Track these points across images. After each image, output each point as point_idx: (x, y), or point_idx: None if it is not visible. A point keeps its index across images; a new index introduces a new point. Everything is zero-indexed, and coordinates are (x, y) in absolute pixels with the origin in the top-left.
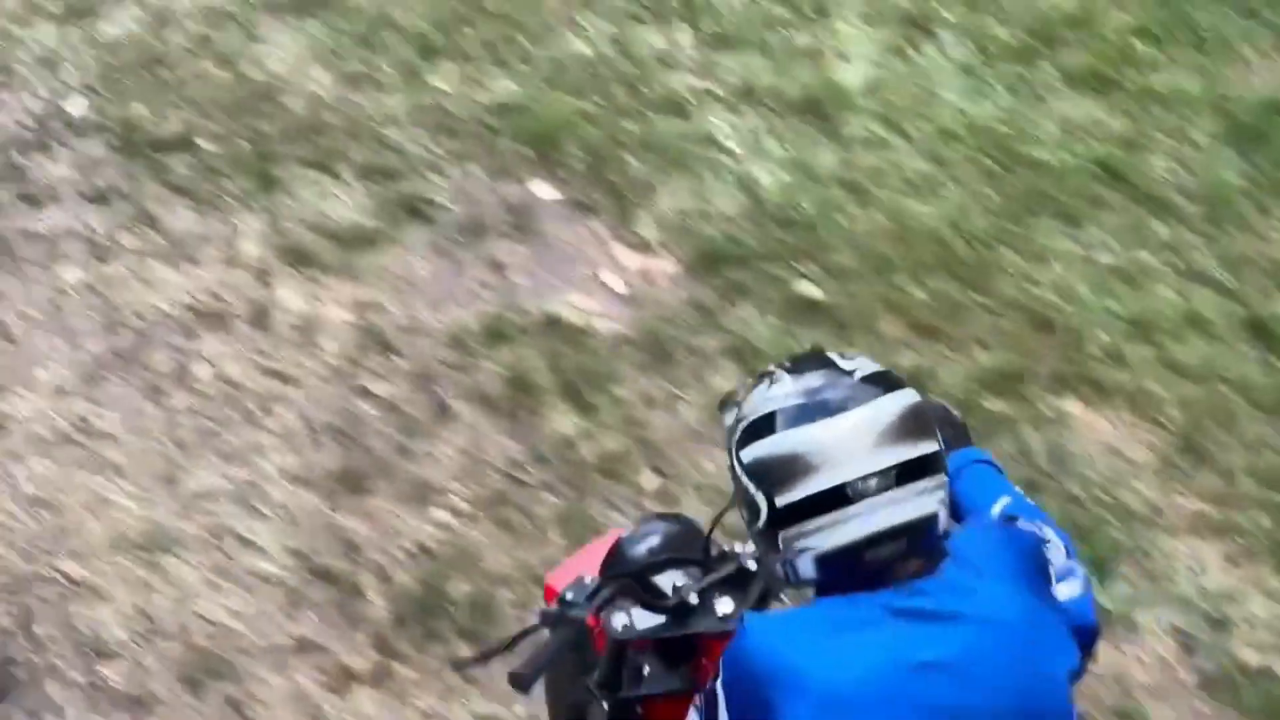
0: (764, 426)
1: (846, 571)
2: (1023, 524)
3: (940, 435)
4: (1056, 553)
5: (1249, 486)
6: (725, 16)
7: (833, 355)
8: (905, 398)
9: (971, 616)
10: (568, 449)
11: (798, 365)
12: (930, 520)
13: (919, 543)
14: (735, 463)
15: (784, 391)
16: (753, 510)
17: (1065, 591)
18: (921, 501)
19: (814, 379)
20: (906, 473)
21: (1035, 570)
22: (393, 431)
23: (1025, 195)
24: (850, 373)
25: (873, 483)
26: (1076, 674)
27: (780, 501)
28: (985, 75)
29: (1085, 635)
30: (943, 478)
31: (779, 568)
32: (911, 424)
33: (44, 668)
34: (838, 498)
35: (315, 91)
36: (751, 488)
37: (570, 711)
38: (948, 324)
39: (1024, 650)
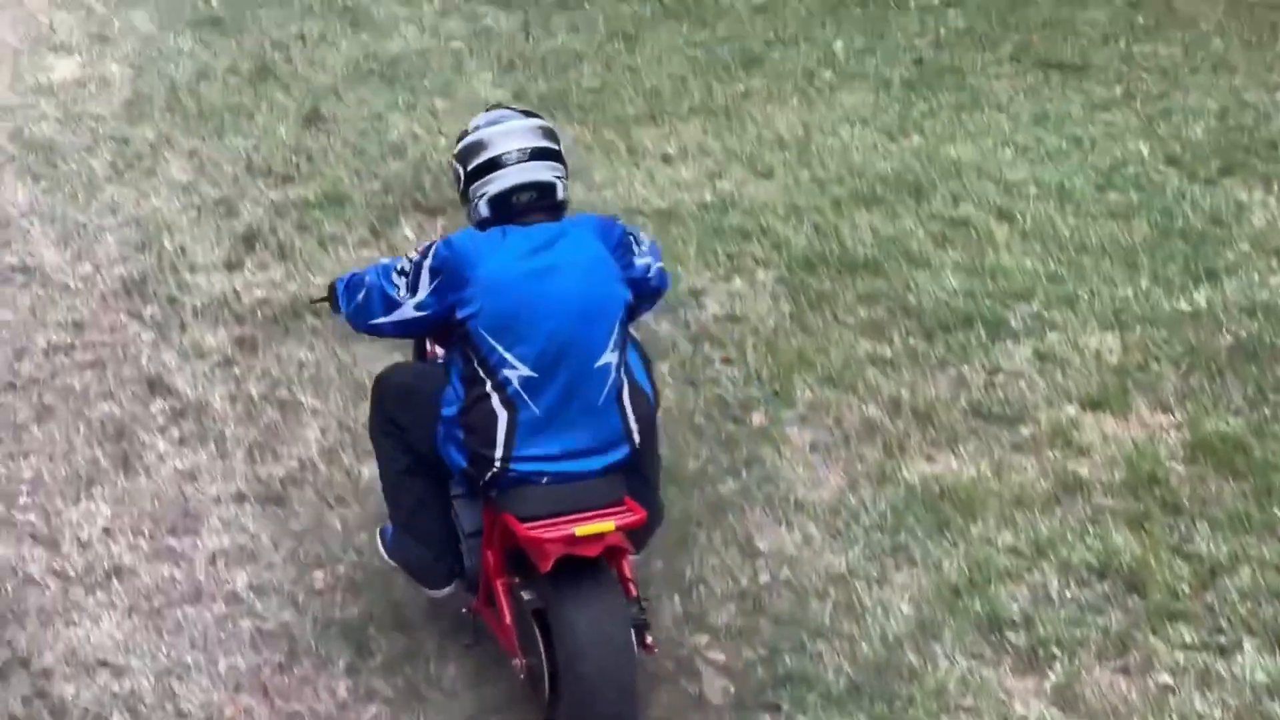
0: (465, 133)
1: (503, 210)
2: (626, 226)
3: (561, 148)
4: (642, 244)
5: None
6: None
7: (513, 106)
8: (543, 122)
9: (564, 243)
10: None
11: (491, 108)
12: (551, 186)
13: (544, 199)
14: (452, 155)
15: (480, 117)
16: (457, 178)
17: (639, 263)
18: (545, 172)
19: (496, 113)
20: (537, 153)
21: (616, 241)
22: None
23: None
24: (517, 110)
25: (514, 154)
26: (630, 302)
27: (468, 168)
28: None
29: (643, 286)
30: (560, 166)
31: (470, 211)
32: (542, 132)
33: None
34: (496, 163)
35: None
36: (456, 165)
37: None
38: None
39: (592, 269)
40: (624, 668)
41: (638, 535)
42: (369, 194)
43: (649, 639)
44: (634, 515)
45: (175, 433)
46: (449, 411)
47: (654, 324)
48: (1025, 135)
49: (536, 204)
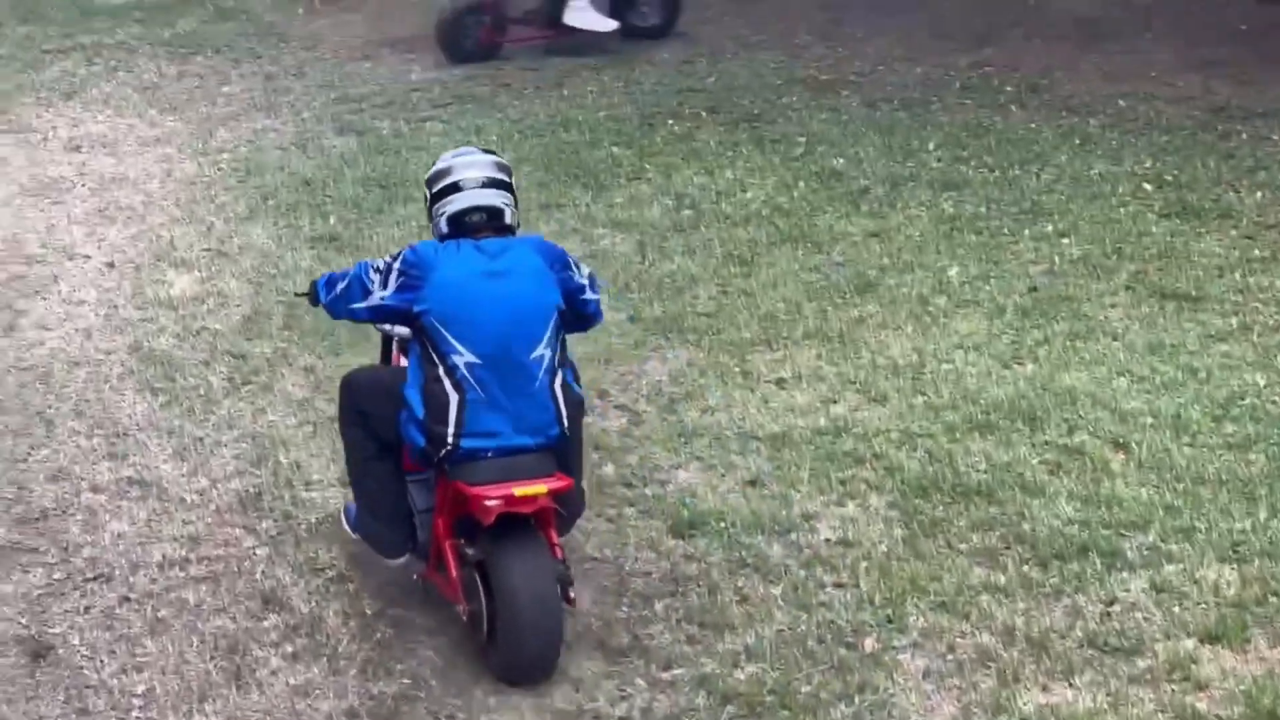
0: (435, 164)
1: (459, 227)
2: (567, 252)
3: (512, 184)
4: (582, 269)
5: None
6: None
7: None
8: (499, 159)
9: (509, 257)
10: None
11: (459, 148)
12: (500, 210)
13: (494, 221)
14: (425, 180)
15: (450, 151)
16: (426, 200)
17: (578, 280)
18: (496, 198)
19: (463, 149)
20: (490, 183)
21: (555, 258)
22: None
23: None
24: (479, 149)
25: (471, 182)
26: (562, 309)
27: (433, 190)
28: None
29: (576, 300)
30: (509, 196)
31: (434, 227)
32: (497, 166)
33: None
34: (455, 187)
35: None
36: (426, 189)
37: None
38: None
39: (531, 277)
40: (550, 612)
41: (563, 522)
42: None
43: (571, 594)
44: (562, 482)
45: (288, 648)
46: (410, 391)
47: (766, 547)
48: (1140, 365)
49: (487, 224)
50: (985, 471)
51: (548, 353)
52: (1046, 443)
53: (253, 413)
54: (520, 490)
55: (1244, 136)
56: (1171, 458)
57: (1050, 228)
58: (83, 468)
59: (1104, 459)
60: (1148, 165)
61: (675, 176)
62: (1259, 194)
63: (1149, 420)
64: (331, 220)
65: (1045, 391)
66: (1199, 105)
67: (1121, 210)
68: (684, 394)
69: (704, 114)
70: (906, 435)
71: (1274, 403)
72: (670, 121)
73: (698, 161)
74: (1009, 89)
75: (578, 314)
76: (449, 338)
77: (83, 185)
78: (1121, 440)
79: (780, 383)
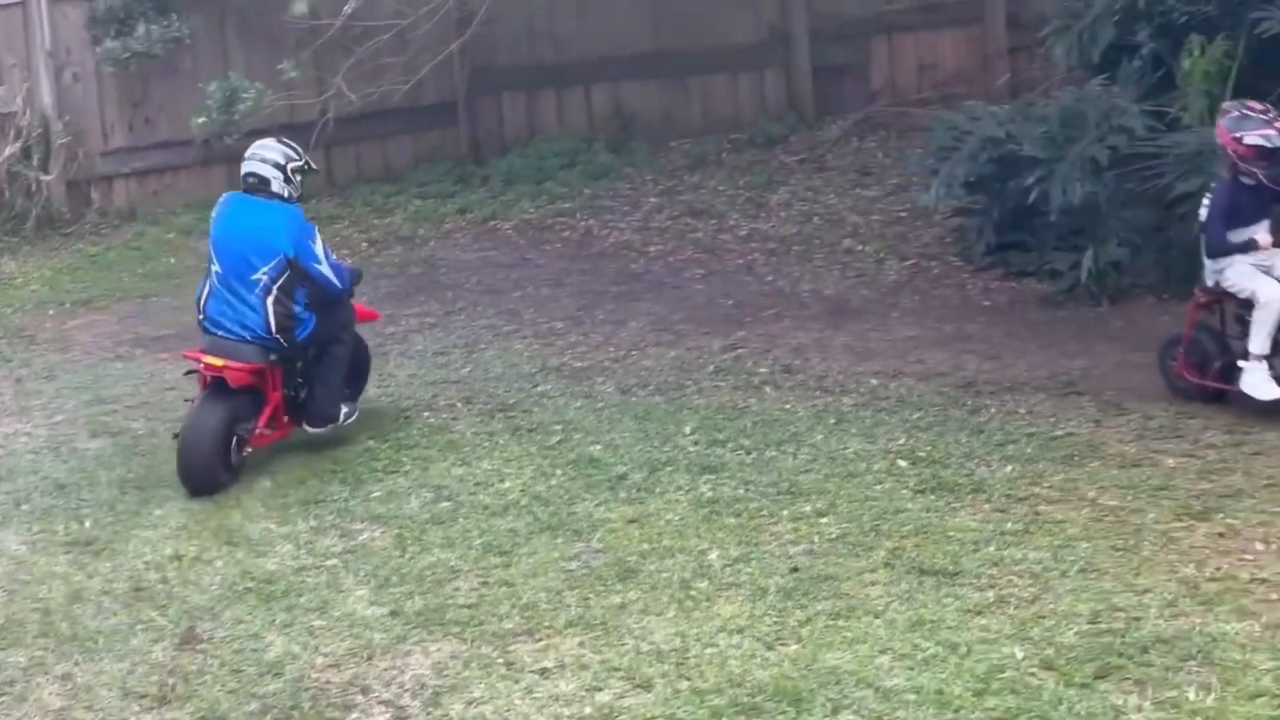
0: None
1: (243, 185)
2: (313, 234)
3: (286, 165)
4: (320, 252)
5: None
6: None
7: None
8: (288, 149)
9: (259, 211)
10: None
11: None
12: (266, 179)
13: (263, 185)
14: None
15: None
16: None
17: (315, 250)
18: (263, 170)
19: (268, 140)
20: (264, 160)
21: (299, 229)
22: None
23: None
24: (281, 142)
25: (252, 155)
26: (290, 258)
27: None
28: None
29: (308, 266)
30: (278, 172)
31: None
32: (280, 153)
33: None
34: (245, 158)
35: None
36: None
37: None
38: None
39: (268, 227)
40: (196, 441)
41: (312, 416)
42: (246, 716)
43: (246, 450)
44: (241, 366)
45: None
46: (202, 284)
47: None
48: (901, 642)
49: (258, 186)
50: None
51: (265, 278)
52: None
53: None
54: (208, 359)
55: (993, 411)
56: None
57: (808, 507)
58: None
59: None
60: (901, 442)
61: (432, 468)
62: (1009, 467)
63: (912, 698)
64: (87, 524)
65: (809, 672)
66: (949, 381)
67: (878, 488)
68: (448, 687)
69: (460, 404)
70: None
71: (1033, 675)
72: (426, 413)
73: (454, 453)
74: (763, 370)
75: (305, 274)
76: (211, 254)
77: None
78: (886, 717)
79: (544, 672)
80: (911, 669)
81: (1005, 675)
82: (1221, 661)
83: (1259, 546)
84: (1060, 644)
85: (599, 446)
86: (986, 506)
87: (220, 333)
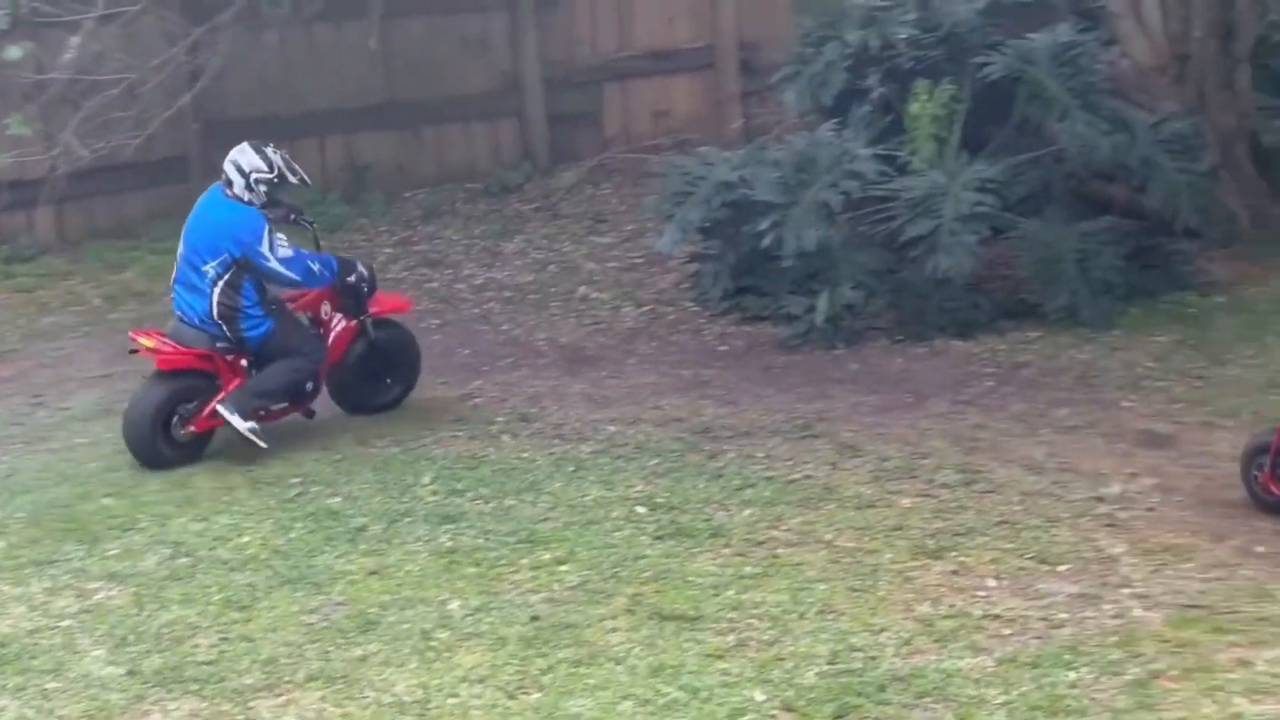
0: None
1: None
2: (264, 236)
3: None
4: (267, 249)
5: None
6: None
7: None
8: (256, 155)
9: (219, 206)
10: None
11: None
12: (230, 179)
13: (230, 183)
14: None
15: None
16: None
17: (282, 252)
18: (228, 169)
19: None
20: (231, 161)
21: (246, 230)
22: None
23: None
24: (256, 146)
25: (227, 156)
26: (238, 257)
27: None
28: None
29: (257, 264)
30: (239, 175)
31: None
32: (245, 157)
33: None
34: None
35: None
36: None
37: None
38: None
39: (223, 223)
40: (136, 416)
41: (226, 399)
42: None
43: (188, 427)
44: (177, 355)
45: None
46: None
47: None
48: (643, 687)
49: (227, 184)
50: None
51: (213, 271)
52: None
53: None
54: (143, 341)
55: (731, 455)
56: None
57: (548, 555)
58: None
59: None
60: (640, 488)
61: (170, 524)
62: (748, 511)
63: None
64: None
65: None
66: (686, 427)
67: (617, 534)
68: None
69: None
70: None
71: (773, 717)
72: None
73: (192, 508)
74: (500, 419)
75: (258, 270)
76: (179, 240)
77: None
78: None
79: None
80: (653, 714)
81: (746, 718)
82: (956, 697)
83: (991, 583)
84: (800, 685)
85: (338, 499)
86: (726, 551)
87: (178, 314)
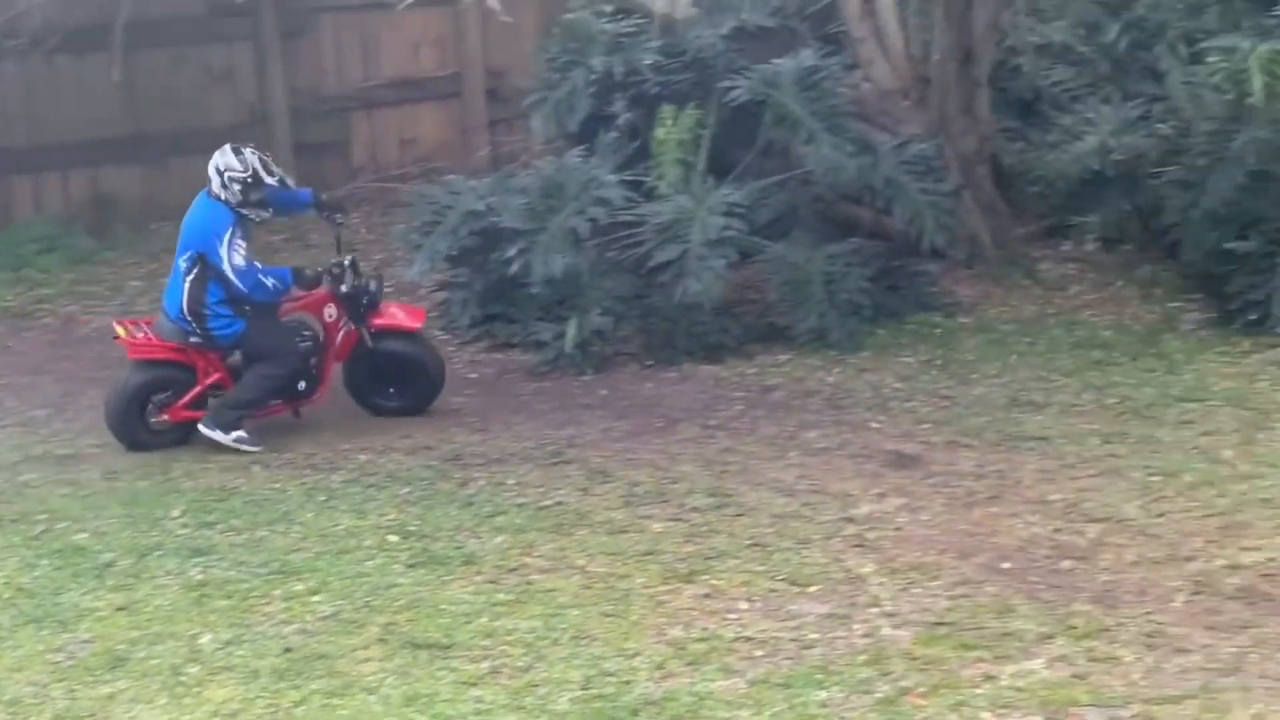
0: None
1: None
2: (222, 240)
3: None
4: (239, 249)
5: None
6: None
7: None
8: (232, 157)
9: (199, 206)
10: None
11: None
12: (210, 179)
13: (209, 184)
14: None
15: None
16: None
17: (236, 259)
18: (210, 171)
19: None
20: (214, 162)
21: (209, 230)
22: None
23: None
24: (240, 149)
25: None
26: (202, 254)
27: None
28: None
29: (216, 270)
30: (217, 176)
31: None
32: (224, 159)
33: None
34: None
35: None
36: None
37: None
38: None
39: (199, 224)
40: (115, 409)
41: (206, 415)
42: None
43: (161, 416)
44: (146, 346)
45: None
46: None
47: None
48: (396, 717)
49: (209, 183)
50: None
51: (184, 265)
52: None
53: None
54: (119, 330)
55: (482, 483)
56: None
57: (301, 586)
58: None
59: None
60: (392, 517)
61: None
62: (500, 538)
63: None
64: None
65: None
66: (437, 454)
67: (369, 564)
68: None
69: None
70: None
71: None
72: None
73: None
74: (252, 451)
75: (212, 267)
76: None
77: None
78: None
79: None
80: None
81: None
82: (709, 719)
83: (743, 605)
84: (554, 711)
85: (85, 534)
86: (478, 578)
87: (162, 307)
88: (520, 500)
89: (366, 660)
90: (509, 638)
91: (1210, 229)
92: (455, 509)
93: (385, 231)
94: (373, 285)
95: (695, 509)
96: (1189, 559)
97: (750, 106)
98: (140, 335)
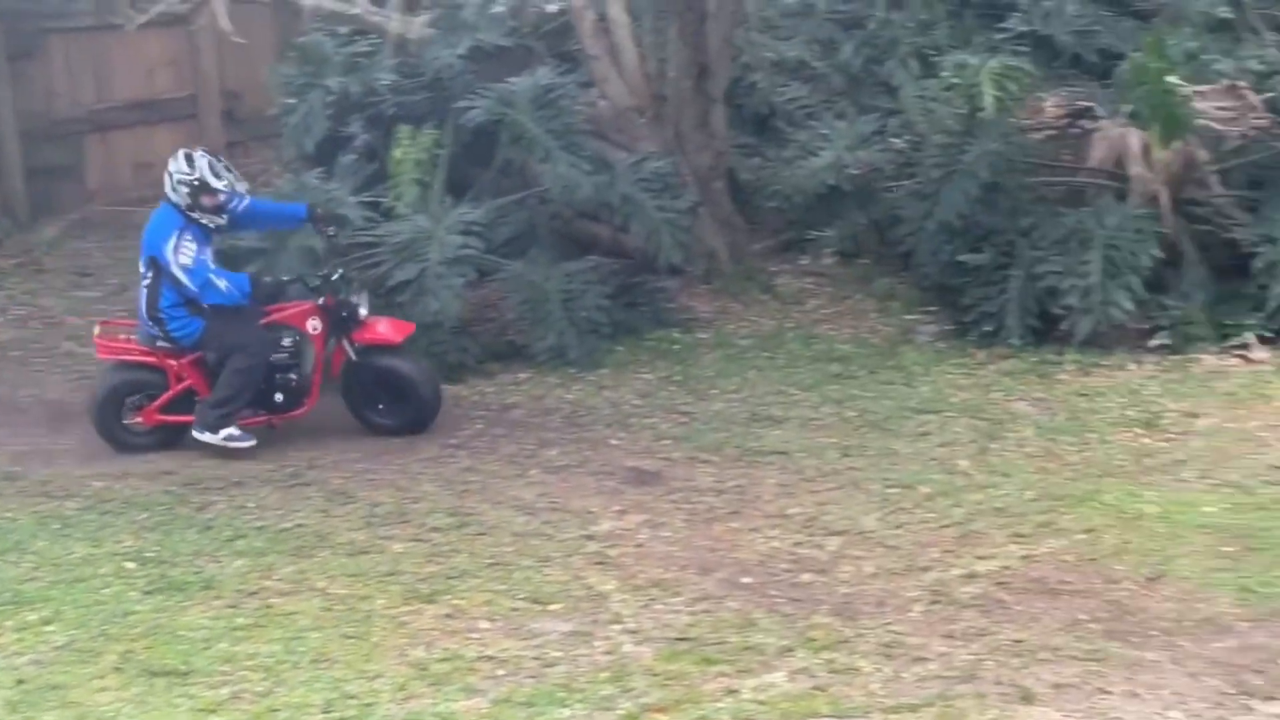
0: None
1: None
2: (171, 247)
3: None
4: (186, 250)
5: None
6: None
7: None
8: (188, 164)
9: (162, 212)
10: None
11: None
12: (164, 183)
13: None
14: None
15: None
16: None
17: (184, 259)
18: (165, 175)
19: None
20: (167, 166)
21: (158, 235)
22: None
23: None
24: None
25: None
26: (155, 258)
27: None
28: None
29: (167, 271)
30: (169, 179)
31: None
32: (175, 163)
33: None
34: None
35: None
36: None
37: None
38: None
39: (155, 229)
40: (92, 409)
41: (195, 419)
42: None
43: (135, 419)
44: (113, 348)
45: None
46: None
47: None
48: None
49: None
50: None
51: (143, 268)
52: None
53: None
54: (95, 330)
55: (221, 506)
56: None
57: (34, 616)
58: None
59: None
60: (128, 544)
61: None
62: (239, 562)
63: None
64: None
65: None
66: (176, 479)
67: (105, 591)
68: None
69: None
70: None
71: None
72: None
73: None
74: None
75: (162, 269)
76: None
77: None
78: None
79: None
80: None
81: None
82: None
83: (484, 625)
84: None
85: None
86: (218, 603)
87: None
88: (260, 523)
89: (103, 690)
90: (249, 662)
91: (944, 241)
92: (194, 534)
93: (121, 256)
94: (355, 299)
95: (436, 529)
96: (926, 569)
97: (488, 126)
98: (121, 338)
